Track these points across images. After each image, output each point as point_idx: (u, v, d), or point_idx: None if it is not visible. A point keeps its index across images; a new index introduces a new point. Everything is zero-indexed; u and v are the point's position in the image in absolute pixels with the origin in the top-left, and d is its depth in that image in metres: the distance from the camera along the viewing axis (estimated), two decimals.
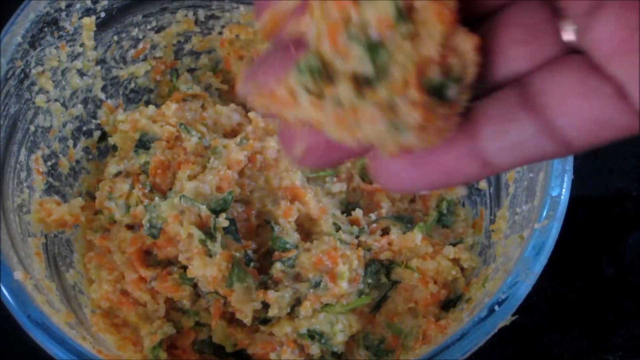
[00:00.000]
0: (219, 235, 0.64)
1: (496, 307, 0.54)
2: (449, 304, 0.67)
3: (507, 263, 0.58)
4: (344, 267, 0.63)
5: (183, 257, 0.64)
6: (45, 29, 0.66)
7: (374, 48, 0.30)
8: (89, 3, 0.69)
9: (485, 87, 0.32)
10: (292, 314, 0.65)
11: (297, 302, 0.65)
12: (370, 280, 0.66)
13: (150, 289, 0.66)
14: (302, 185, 0.69)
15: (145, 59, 0.77)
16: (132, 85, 0.78)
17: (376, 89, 0.30)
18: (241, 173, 0.69)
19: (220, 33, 0.79)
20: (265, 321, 0.66)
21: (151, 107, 0.74)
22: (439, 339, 0.59)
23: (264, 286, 0.65)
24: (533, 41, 0.31)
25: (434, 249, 0.68)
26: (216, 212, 0.65)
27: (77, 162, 0.74)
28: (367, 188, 0.72)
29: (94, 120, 0.75)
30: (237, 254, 0.64)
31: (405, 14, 0.29)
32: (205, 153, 0.71)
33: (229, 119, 0.75)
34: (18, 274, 0.58)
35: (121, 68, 0.76)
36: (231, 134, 0.75)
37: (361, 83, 0.30)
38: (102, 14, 0.71)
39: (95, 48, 0.72)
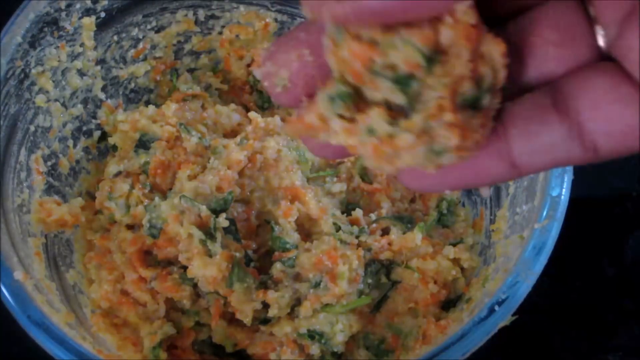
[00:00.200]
0: (219, 235, 0.64)
1: (496, 307, 0.54)
2: (449, 304, 0.67)
3: (507, 263, 0.58)
4: (344, 267, 0.63)
5: (183, 257, 0.64)
6: (45, 29, 0.66)
7: (403, 80, 0.29)
8: (89, 3, 0.69)
9: (516, 88, 0.32)
10: (292, 314, 0.65)
11: (297, 302, 0.65)
12: (370, 280, 0.66)
13: (150, 289, 0.66)
14: (302, 185, 0.69)
15: (145, 59, 0.77)
16: (132, 85, 0.78)
17: (410, 116, 0.29)
18: (241, 173, 0.69)
19: (220, 33, 0.79)
20: (265, 321, 0.66)
21: (151, 107, 0.74)
22: (439, 339, 0.59)
23: (264, 286, 0.65)
24: (569, 44, 0.31)
25: (434, 249, 0.68)
26: (216, 212, 0.65)
27: (77, 162, 0.74)
28: (367, 188, 0.72)
29: (93, 120, 0.75)
30: (237, 254, 0.64)
31: (434, 54, 0.28)
32: (205, 153, 0.71)
33: (229, 119, 0.75)
34: (18, 274, 0.58)
35: (121, 68, 0.76)
36: (231, 134, 0.75)
37: (393, 109, 0.29)
38: (102, 14, 0.71)
39: (95, 48, 0.72)
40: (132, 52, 0.76)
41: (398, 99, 0.29)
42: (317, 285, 0.64)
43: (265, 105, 0.81)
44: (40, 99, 0.68)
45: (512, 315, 0.54)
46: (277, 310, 0.64)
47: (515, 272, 0.55)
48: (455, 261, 0.67)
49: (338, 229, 0.67)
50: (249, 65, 0.80)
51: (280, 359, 0.65)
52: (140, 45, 0.76)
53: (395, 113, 0.29)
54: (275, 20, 0.78)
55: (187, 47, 0.79)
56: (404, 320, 0.67)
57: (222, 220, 0.64)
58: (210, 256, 0.63)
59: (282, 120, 0.73)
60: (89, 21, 0.70)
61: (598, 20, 0.30)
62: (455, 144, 0.29)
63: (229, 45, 0.79)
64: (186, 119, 0.73)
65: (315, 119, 0.31)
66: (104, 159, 0.76)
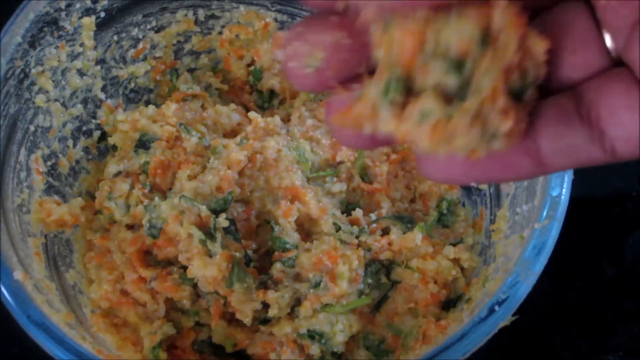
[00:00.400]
0: (219, 236, 0.64)
1: (496, 307, 0.54)
2: (449, 304, 0.67)
3: (507, 263, 0.58)
4: (344, 267, 0.63)
5: (183, 257, 0.64)
6: (45, 29, 0.66)
7: (456, 63, 0.29)
8: (88, 3, 0.69)
9: (548, 88, 0.32)
10: (292, 314, 0.65)
11: (297, 302, 0.65)
12: (370, 280, 0.66)
13: (150, 289, 0.66)
14: (302, 185, 0.69)
15: (145, 59, 0.77)
16: (132, 85, 0.78)
17: (464, 100, 0.29)
18: (241, 173, 0.69)
19: (220, 33, 0.79)
20: (265, 321, 0.66)
21: (151, 107, 0.74)
22: (439, 339, 0.59)
23: (264, 286, 0.65)
24: (580, 51, 0.32)
25: (434, 249, 0.68)
26: (216, 212, 0.65)
27: (77, 162, 0.74)
28: (367, 188, 0.72)
29: (93, 120, 0.75)
30: (237, 254, 0.64)
31: (487, 35, 0.29)
32: (205, 153, 0.71)
33: (229, 119, 0.75)
34: (18, 274, 0.58)
35: (121, 68, 0.76)
36: (231, 134, 0.75)
37: (446, 93, 0.29)
38: (102, 14, 0.71)
39: (95, 48, 0.72)
40: (132, 52, 0.76)
41: (451, 82, 0.29)
42: (317, 285, 0.64)
43: (265, 105, 0.81)
44: (40, 99, 0.68)
45: (512, 315, 0.54)
46: (277, 310, 0.64)
47: (515, 272, 0.55)
48: (455, 261, 0.67)
49: (338, 229, 0.67)
50: (249, 65, 0.80)
51: (280, 359, 0.65)
52: (140, 45, 0.76)
53: (448, 99, 0.30)
54: (275, 20, 0.78)
55: (187, 47, 0.79)
56: (404, 320, 0.67)
57: (222, 220, 0.64)
58: (210, 256, 0.63)
59: (282, 120, 0.73)
60: (89, 21, 0.70)
61: (606, 28, 0.31)
62: (508, 129, 0.30)
63: (228, 45, 0.79)
64: (186, 118, 0.73)
65: (367, 108, 0.31)
66: (104, 159, 0.76)
